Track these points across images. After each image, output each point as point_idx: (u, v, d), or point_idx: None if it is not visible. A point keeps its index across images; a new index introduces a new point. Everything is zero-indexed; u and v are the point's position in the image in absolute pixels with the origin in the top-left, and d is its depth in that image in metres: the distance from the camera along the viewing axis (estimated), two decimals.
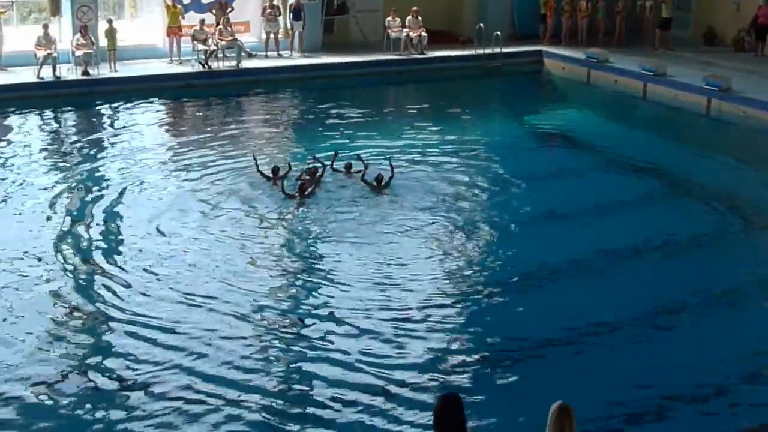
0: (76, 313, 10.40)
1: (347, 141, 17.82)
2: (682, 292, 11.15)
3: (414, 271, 11.60)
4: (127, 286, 11.09)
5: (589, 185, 15.85)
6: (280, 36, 25.12)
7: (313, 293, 11.08)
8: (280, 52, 24.94)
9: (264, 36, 24.96)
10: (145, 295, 10.86)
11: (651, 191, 15.59)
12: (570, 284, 11.58)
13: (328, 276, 11.49)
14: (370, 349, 9.60)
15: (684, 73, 22.50)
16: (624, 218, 14.05)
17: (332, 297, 10.89)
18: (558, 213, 14.08)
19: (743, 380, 9.21)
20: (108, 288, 11.05)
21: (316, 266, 11.84)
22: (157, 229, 12.97)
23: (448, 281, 11.39)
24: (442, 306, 10.67)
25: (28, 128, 19.42)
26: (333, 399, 8.66)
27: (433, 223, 13.28)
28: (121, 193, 14.57)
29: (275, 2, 25.05)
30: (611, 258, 12.27)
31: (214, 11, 24.32)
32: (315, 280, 11.43)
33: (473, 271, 11.72)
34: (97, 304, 10.62)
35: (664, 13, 26.17)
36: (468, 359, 9.54)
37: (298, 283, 11.39)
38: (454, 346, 9.80)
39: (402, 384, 8.93)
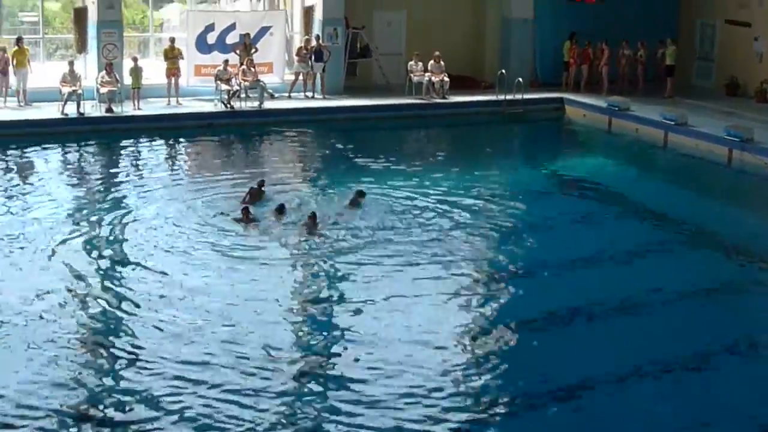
0: (84, 350, 10.44)
1: (365, 183, 17.83)
2: (701, 342, 11.03)
3: (428, 314, 11.56)
4: (136, 321, 11.12)
5: (608, 233, 15.78)
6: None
7: (321, 330, 11.13)
8: (306, 94, 25.14)
9: (287, 77, 25.16)
10: (155, 330, 10.86)
11: (670, 241, 15.48)
12: (586, 331, 11.50)
13: (338, 313, 11.55)
14: (384, 389, 9.55)
15: (705, 123, 22.45)
16: (641, 267, 13.94)
17: (344, 332, 10.92)
18: (576, 260, 13.98)
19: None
20: (118, 323, 11.10)
21: (326, 302, 11.93)
22: (173, 267, 13.00)
23: (462, 325, 11.31)
24: (455, 346, 10.63)
25: (51, 164, 19.60)
26: None
27: (451, 267, 13.25)
28: (140, 231, 14.59)
29: (312, 44, 25.24)
30: (628, 306, 12.15)
31: (238, 52, 24.58)
32: (325, 314, 11.52)
33: (488, 316, 11.67)
34: (106, 341, 10.65)
35: (668, 60, 26.38)
36: (478, 403, 9.42)
37: (309, 316, 11.46)
38: (466, 389, 9.69)
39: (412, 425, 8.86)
